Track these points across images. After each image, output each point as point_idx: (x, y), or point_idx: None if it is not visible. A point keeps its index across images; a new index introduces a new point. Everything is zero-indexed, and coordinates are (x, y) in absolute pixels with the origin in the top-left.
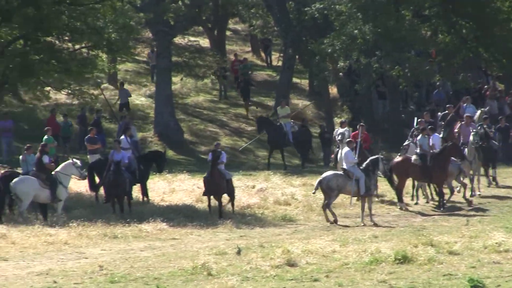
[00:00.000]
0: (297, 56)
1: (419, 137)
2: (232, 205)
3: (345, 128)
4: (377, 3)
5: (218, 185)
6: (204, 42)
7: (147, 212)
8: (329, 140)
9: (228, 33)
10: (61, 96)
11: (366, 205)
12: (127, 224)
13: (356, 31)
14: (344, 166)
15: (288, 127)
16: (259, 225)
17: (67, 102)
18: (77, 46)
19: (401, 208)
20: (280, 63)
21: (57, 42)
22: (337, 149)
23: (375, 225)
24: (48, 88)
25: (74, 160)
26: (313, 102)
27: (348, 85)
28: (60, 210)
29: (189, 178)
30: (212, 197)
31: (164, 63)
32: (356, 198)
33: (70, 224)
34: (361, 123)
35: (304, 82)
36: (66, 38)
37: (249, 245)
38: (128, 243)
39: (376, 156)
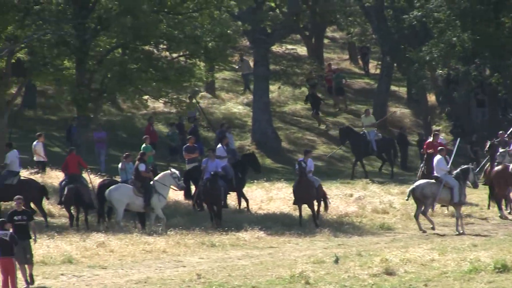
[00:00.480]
0: (395, 64)
1: None
2: (325, 208)
3: (441, 137)
4: (476, 10)
5: (307, 193)
6: (302, 50)
7: (244, 220)
8: None
9: (326, 41)
10: (159, 105)
11: (457, 213)
12: (224, 233)
13: (454, 39)
14: (436, 174)
15: (372, 135)
16: (357, 234)
17: (165, 111)
18: (174, 55)
19: (501, 217)
20: (378, 71)
21: (155, 51)
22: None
23: (463, 233)
24: (146, 97)
25: (172, 170)
26: (398, 110)
27: (446, 92)
28: (155, 219)
29: (286, 187)
30: (304, 205)
31: (262, 71)
32: (440, 205)
33: (168, 232)
34: (436, 131)
35: (402, 90)
36: (164, 46)
37: (347, 254)
38: (225, 252)
39: (467, 166)
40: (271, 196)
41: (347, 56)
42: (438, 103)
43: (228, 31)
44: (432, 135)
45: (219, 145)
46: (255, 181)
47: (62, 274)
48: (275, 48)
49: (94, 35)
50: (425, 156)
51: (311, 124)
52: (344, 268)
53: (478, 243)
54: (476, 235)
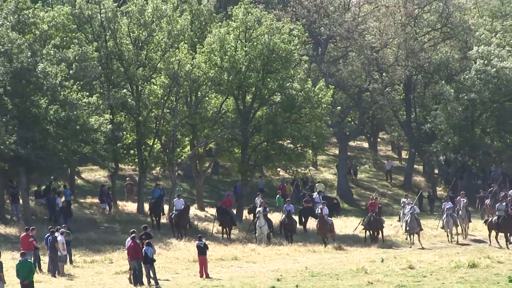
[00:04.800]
0: (416, 153)
1: None
2: (333, 238)
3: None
4: (461, 125)
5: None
6: (365, 144)
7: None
8: None
9: (379, 139)
10: (284, 174)
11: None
12: (320, 244)
13: (449, 140)
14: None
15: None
16: (394, 246)
17: (287, 177)
18: (295, 146)
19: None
20: (407, 156)
21: (284, 143)
22: None
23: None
24: (278, 169)
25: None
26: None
27: (445, 168)
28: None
29: (355, 220)
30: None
31: (343, 156)
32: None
33: (290, 244)
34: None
35: (420, 167)
36: (289, 141)
37: (388, 257)
38: (321, 255)
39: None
40: (346, 225)
41: (390, 148)
42: (440, 174)
43: (322, 132)
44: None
45: (316, 195)
46: (338, 216)
47: (231, 266)
48: (351, 143)
49: (251, 135)
50: None
51: (370, 185)
52: (386, 264)
53: (460, 252)
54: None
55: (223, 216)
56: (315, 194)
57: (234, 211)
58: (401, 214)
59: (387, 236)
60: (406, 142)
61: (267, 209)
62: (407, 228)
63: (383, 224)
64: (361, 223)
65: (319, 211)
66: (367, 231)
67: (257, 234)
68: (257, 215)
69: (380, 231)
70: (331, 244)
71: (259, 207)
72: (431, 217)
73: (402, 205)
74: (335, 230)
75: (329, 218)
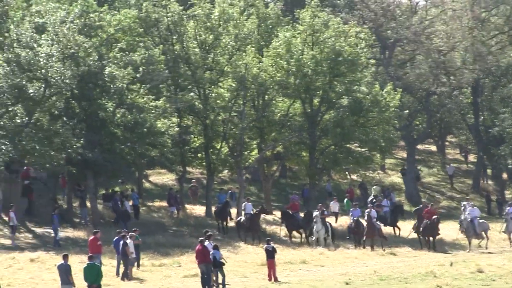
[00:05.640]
0: (485, 156)
1: None
2: (383, 244)
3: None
4: None
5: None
6: (433, 148)
7: (399, 241)
8: None
9: (446, 143)
10: (354, 177)
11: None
12: (388, 248)
13: None
14: None
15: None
16: (462, 250)
17: (356, 180)
18: (363, 149)
19: None
20: (475, 160)
21: (352, 147)
22: None
23: None
24: (346, 172)
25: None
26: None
27: None
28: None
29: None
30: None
31: (411, 160)
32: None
33: (360, 248)
34: None
35: (488, 171)
36: (357, 144)
37: (457, 260)
38: (390, 258)
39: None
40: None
41: (458, 151)
42: (509, 177)
43: (392, 136)
44: None
45: (385, 200)
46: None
47: (300, 269)
48: (418, 146)
49: (319, 138)
50: None
51: (438, 189)
52: (455, 268)
53: None
54: None
55: (289, 220)
56: (370, 198)
57: (302, 215)
58: (461, 218)
59: (457, 239)
60: (474, 145)
61: (325, 212)
62: (466, 232)
63: (438, 230)
64: (413, 228)
65: (366, 215)
66: (423, 237)
67: (313, 239)
68: (314, 220)
69: (434, 237)
70: (381, 248)
71: (317, 211)
72: (499, 220)
73: (462, 208)
74: (383, 234)
75: (377, 223)
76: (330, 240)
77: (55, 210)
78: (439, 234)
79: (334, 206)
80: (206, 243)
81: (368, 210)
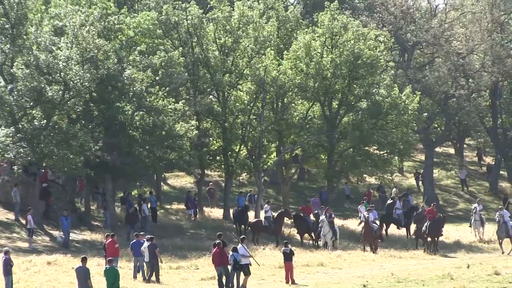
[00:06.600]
0: (502, 159)
1: None
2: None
3: None
4: None
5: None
6: (451, 150)
7: (413, 243)
8: None
9: (465, 145)
10: (371, 179)
11: None
12: (405, 250)
13: None
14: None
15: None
16: (479, 252)
17: (374, 182)
18: (381, 152)
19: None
20: (493, 162)
21: (370, 150)
22: None
23: None
24: (364, 175)
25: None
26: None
27: None
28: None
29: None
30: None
31: (429, 163)
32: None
33: (376, 252)
34: None
35: (504, 173)
36: (375, 147)
37: (474, 263)
38: (407, 261)
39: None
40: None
41: (475, 154)
42: None
43: (411, 139)
44: None
45: (398, 203)
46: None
47: (317, 272)
48: (437, 149)
49: (337, 141)
50: None
51: (456, 192)
52: (472, 270)
53: None
54: None
55: (299, 223)
56: (388, 201)
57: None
58: (472, 220)
59: (473, 242)
60: (492, 148)
61: (333, 215)
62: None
63: (442, 231)
64: (414, 234)
65: (366, 216)
66: (427, 238)
67: (321, 243)
68: (320, 224)
69: (437, 238)
70: (382, 249)
71: (323, 214)
72: None
73: (473, 210)
74: (382, 237)
75: (374, 224)
76: (337, 243)
77: (64, 212)
78: (442, 235)
79: (362, 209)
80: (239, 246)
81: (366, 212)
